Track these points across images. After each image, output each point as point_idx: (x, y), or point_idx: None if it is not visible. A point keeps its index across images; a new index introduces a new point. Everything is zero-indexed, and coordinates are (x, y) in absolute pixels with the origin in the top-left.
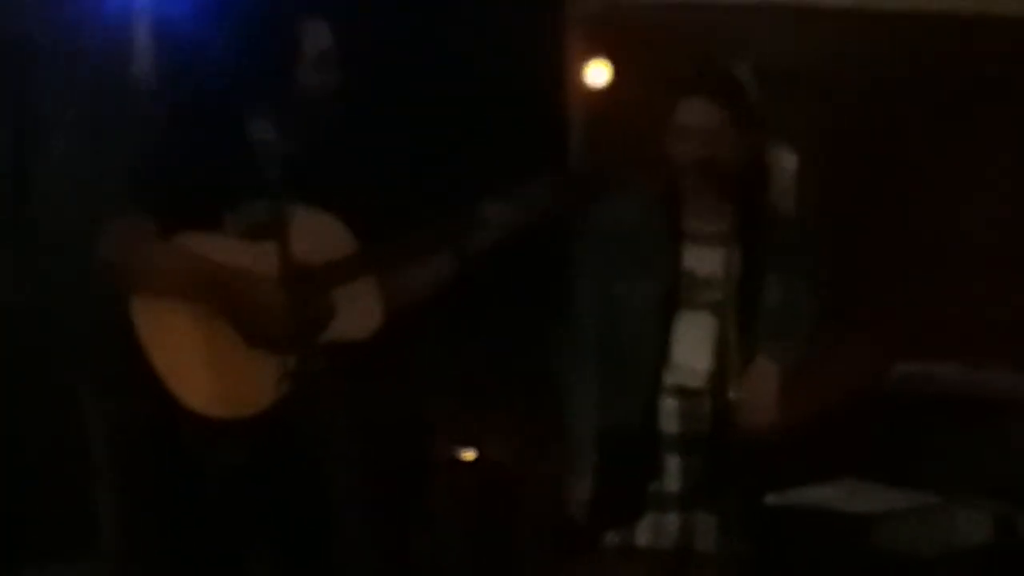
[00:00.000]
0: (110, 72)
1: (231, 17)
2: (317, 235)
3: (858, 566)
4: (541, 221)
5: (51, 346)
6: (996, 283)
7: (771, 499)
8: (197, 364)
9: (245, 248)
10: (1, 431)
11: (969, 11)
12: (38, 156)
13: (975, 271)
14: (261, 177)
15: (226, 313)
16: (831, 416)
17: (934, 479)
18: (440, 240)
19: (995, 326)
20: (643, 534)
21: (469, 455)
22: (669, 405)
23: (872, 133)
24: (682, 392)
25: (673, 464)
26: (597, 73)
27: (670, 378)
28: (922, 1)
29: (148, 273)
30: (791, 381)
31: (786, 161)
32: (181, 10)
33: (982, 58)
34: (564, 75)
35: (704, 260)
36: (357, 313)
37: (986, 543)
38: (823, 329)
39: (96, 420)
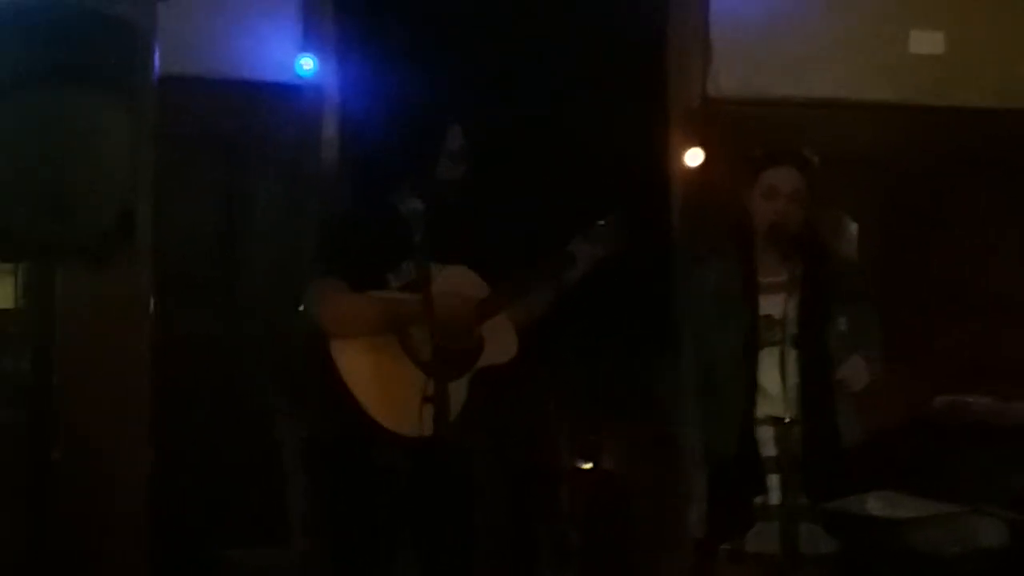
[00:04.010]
0: (303, 161)
1: (395, 119)
2: (461, 284)
3: (892, 562)
4: (615, 254)
5: (254, 377)
6: (1020, 331)
7: (826, 507)
8: (387, 389)
9: (408, 298)
10: (212, 444)
11: (976, 104)
12: (244, 228)
13: (1004, 321)
14: (414, 242)
15: (406, 348)
16: (885, 436)
17: (959, 491)
18: (543, 276)
19: (1019, 365)
20: (752, 542)
21: (587, 466)
22: (765, 432)
23: (916, 204)
24: (774, 420)
25: (773, 481)
26: (693, 155)
27: (764, 409)
28: (943, 98)
29: (349, 320)
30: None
31: (850, 228)
32: (359, 113)
33: (996, 142)
34: (667, 156)
35: (773, 305)
36: (499, 343)
37: (1001, 546)
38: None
39: (290, 435)
